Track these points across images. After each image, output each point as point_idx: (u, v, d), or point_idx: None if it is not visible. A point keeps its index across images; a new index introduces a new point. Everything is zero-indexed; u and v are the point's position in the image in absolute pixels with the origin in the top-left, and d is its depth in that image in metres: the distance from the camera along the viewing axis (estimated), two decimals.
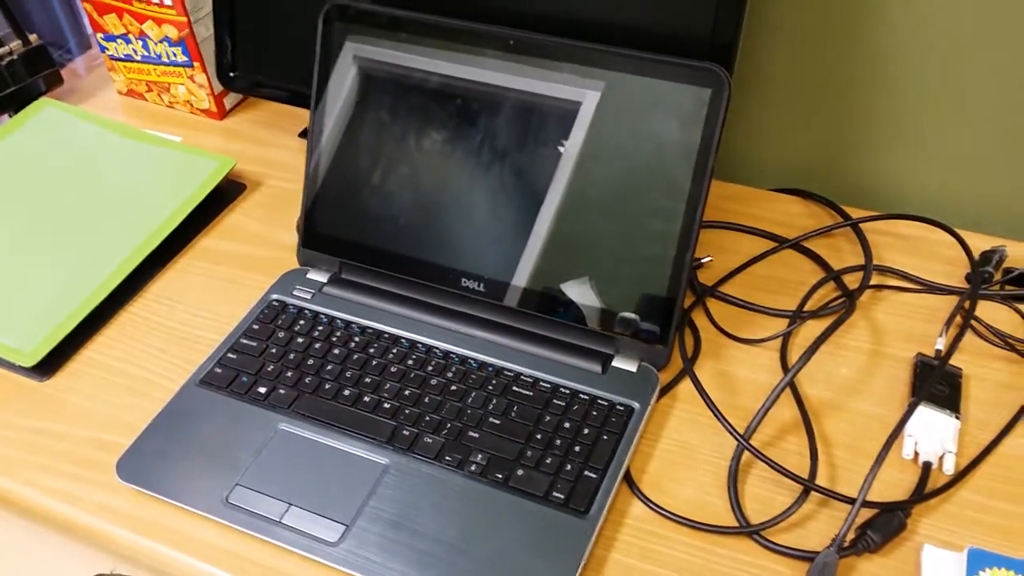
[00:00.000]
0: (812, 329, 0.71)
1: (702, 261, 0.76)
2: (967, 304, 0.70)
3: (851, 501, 0.57)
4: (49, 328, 0.72)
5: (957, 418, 0.63)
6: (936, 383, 0.65)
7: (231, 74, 0.89)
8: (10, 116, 0.93)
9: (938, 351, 0.68)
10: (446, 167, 0.69)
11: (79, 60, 1.10)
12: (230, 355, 0.69)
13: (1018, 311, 0.72)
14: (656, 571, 0.57)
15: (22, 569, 0.73)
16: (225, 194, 0.86)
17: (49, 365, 0.71)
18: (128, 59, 0.97)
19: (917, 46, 0.75)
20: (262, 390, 0.67)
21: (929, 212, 0.79)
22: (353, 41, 0.70)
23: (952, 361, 0.67)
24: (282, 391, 0.66)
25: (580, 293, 0.67)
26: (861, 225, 0.79)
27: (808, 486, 0.59)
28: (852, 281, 0.75)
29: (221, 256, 0.81)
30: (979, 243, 0.76)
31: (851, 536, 0.57)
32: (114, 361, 0.71)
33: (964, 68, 0.75)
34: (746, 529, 0.58)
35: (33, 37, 0.95)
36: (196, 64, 0.93)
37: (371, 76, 0.70)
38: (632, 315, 0.66)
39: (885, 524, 0.57)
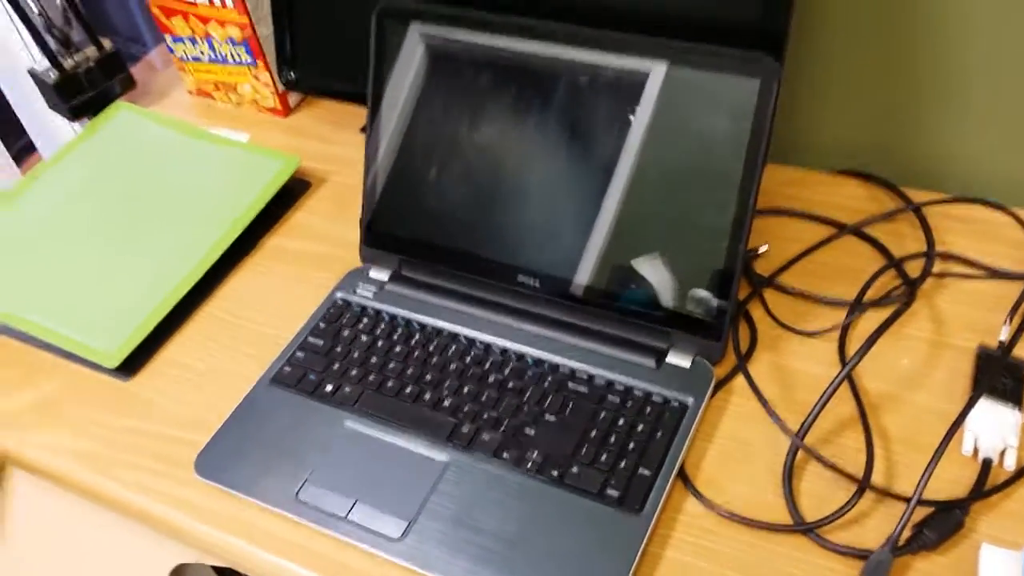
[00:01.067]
0: (872, 319, 0.71)
1: (758, 251, 0.76)
2: None
3: (907, 499, 0.57)
4: (130, 329, 0.76)
5: (1021, 412, 0.62)
6: (999, 375, 0.64)
7: (290, 75, 0.91)
8: (88, 120, 0.98)
9: (1001, 342, 0.67)
10: (502, 160, 0.70)
11: (154, 52, 1.13)
12: (298, 354, 0.72)
13: None
14: (710, 568, 0.58)
15: (111, 557, 0.78)
16: (290, 193, 0.89)
17: (132, 365, 0.75)
18: (196, 60, 1.00)
19: (986, 14, 0.72)
20: (328, 388, 0.69)
21: (995, 194, 0.76)
22: (408, 37, 0.72)
23: (1016, 352, 0.66)
24: (347, 389, 0.69)
25: (635, 286, 0.67)
26: (924, 209, 0.77)
27: (863, 485, 0.59)
28: (914, 268, 0.74)
29: (288, 255, 0.83)
30: None
31: (907, 534, 0.57)
32: (191, 360, 0.75)
33: None
34: (801, 527, 0.58)
35: (107, 43, 0.99)
36: (259, 62, 0.95)
37: (425, 71, 0.72)
38: (686, 309, 0.66)
39: (942, 522, 0.57)
